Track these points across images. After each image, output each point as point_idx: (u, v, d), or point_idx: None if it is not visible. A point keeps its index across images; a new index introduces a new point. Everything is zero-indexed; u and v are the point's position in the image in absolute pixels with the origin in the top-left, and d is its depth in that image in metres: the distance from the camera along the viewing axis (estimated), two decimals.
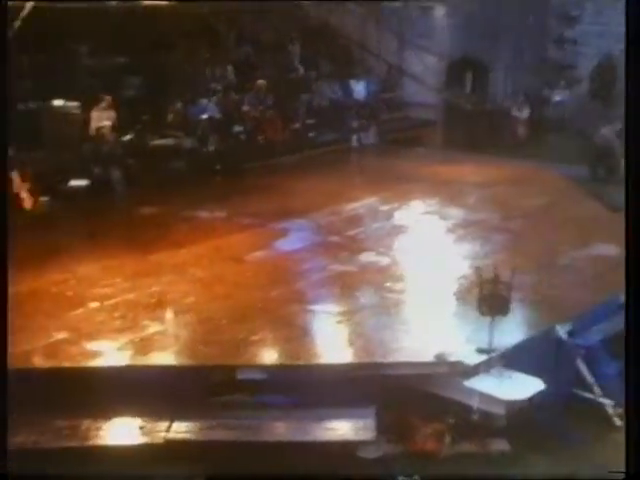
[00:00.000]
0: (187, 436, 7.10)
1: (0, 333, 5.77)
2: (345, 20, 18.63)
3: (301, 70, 18.05)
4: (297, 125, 16.69)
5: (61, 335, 8.22)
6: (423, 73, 18.55)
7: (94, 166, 13.86)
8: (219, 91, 16.02)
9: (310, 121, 16.98)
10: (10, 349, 7.69)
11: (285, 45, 18.29)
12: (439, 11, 18.68)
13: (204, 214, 12.64)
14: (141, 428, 7.17)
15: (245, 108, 15.95)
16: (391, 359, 7.83)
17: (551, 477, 7.25)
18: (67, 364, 7.65)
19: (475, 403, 7.42)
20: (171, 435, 7.06)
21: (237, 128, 15.68)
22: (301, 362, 7.84)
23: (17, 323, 8.40)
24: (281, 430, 7.43)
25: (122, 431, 7.19)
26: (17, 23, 14.05)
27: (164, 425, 7.15)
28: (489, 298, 7.64)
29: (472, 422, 7.48)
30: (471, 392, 7.44)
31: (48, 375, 7.57)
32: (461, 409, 7.54)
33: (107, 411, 7.26)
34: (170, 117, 15.13)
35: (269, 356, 8.18)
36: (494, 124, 18.75)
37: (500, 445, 7.46)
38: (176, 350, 8.04)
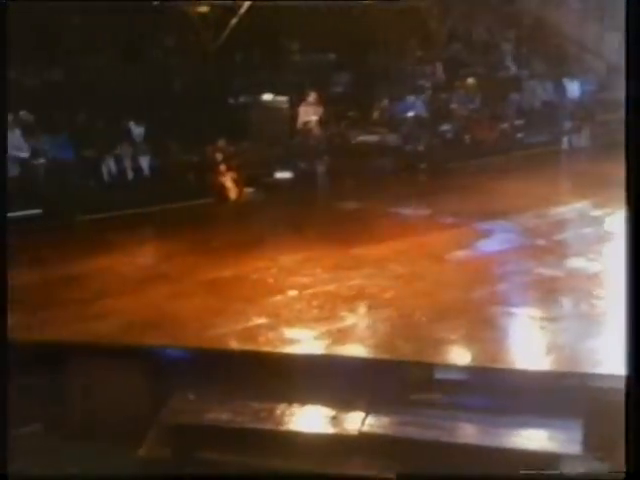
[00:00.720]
0: (381, 431, 6.92)
1: (0, 330, 5.71)
2: (562, 17, 17.96)
3: (512, 69, 17.58)
4: (505, 125, 16.27)
5: (260, 320, 8.29)
6: None
7: (299, 160, 14.08)
8: (427, 89, 15.88)
9: (519, 121, 16.50)
10: (209, 331, 8.01)
11: (497, 43, 17.87)
12: None
13: (406, 211, 12.51)
14: (334, 418, 7.07)
15: (453, 106, 15.73)
16: (598, 370, 7.30)
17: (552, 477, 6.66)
18: (265, 349, 7.67)
19: None
20: (365, 428, 6.90)
21: (444, 127, 15.47)
22: (501, 366, 7.48)
23: (217, 306, 8.67)
24: (475, 433, 7.09)
25: (316, 419, 7.11)
26: (234, 20, 14.53)
27: (359, 417, 7.01)
28: None
29: None
30: None
31: (245, 358, 7.61)
32: None
33: (302, 398, 7.20)
34: (376, 114, 15.16)
35: (467, 357, 7.85)
36: None
37: None
38: (373, 343, 7.89)
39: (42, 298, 9.17)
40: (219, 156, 13.86)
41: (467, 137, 15.46)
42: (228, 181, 13.54)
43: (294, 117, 14.36)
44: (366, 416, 7.06)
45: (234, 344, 7.84)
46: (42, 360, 8.09)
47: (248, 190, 13.67)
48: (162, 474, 6.60)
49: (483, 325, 8.30)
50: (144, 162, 14.27)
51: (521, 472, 6.61)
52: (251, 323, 8.24)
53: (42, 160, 13.44)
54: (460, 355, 7.89)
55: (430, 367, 7.46)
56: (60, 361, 7.75)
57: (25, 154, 13.36)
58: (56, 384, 7.69)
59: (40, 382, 8.02)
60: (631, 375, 5.17)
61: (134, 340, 7.84)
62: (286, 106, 14.53)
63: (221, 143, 14.06)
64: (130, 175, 14.20)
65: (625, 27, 5.73)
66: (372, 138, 14.69)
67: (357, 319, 8.44)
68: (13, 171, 13.22)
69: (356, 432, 6.91)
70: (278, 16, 14.80)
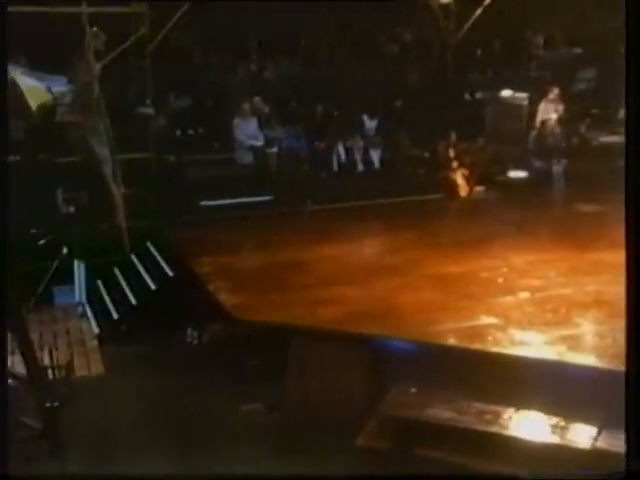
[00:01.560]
0: (617, 449, 6.28)
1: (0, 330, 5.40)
2: None
3: None
4: None
5: (488, 320, 7.88)
6: None
7: (535, 159, 13.49)
8: None
9: None
10: (434, 326, 7.69)
11: None
12: None
13: None
14: (564, 429, 6.53)
15: None
16: None
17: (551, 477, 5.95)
18: (493, 349, 7.25)
19: None
20: (599, 444, 6.30)
21: None
22: None
23: (443, 302, 8.36)
24: None
25: (544, 427, 6.60)
26: (478, 12, 14.13)
27: (592, 432, 6.42)
28: None
29: None
30: None
31: (471, 356, 7.23)
32: None
33: (530, 403, 6.72)
34: (621, 113, 14.20)
35: None
36: None
37: None
38: (611, 354, 7.22)
39: (270, 281, 9.26)
40: (451, 152, 13.54)
41: None
42: (459, 178, 13.20)
43: (533, 114, 13.74)
44: (600, 431, 6.47)
45: (460, 341, 7.47)
46: (267, 341, 8.15)
47: (479, 188, 13.25)
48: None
49: None
50: (375, 155, 14.20)
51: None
52: (479, 322, 7.86)
53: (275, 149, 13.68)
54: None
55: None
56: (284, 343, 7.73)
57: (259, 143, 13.64)
58: (279, 366, 7.68)
59: (264, 362, 8.08)
60: (631, 375, 4.84)
61: (357, 329, 7.67)
62: (525, 103, 13.94)
63: (454, 139, 13.74)
64: (360, 167, 14.17)
65: (625, 27, 5.08)
66: (616, 139, 13.76)
67: (594, 327, 7.81)
68: (247, 158, 13.55)
69: (588, 447, 6.33)
70: (524, 7, 14.20)
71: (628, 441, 4.97)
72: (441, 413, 6.63)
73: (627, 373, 4.92)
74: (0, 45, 5.76)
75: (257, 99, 14.12)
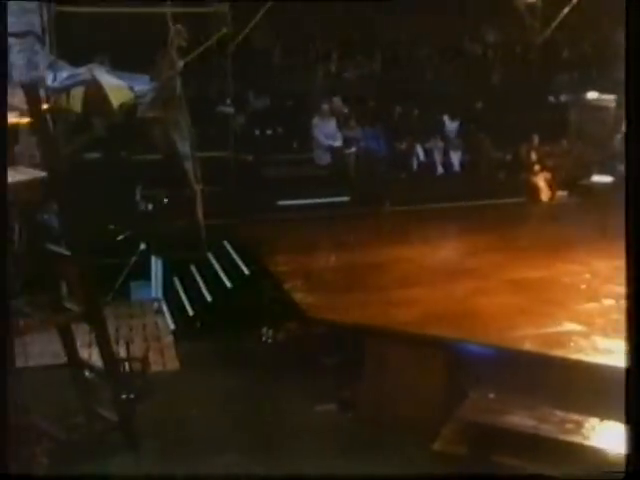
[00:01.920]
0: None
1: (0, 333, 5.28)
2: None
3: None
4: None
5: (570, 326, 7.64)
6: None
7: (621, 163, 13.09)
8: None
9: None
10: (512, 331, 7.47)
11: None
12: None
13: None
14: None
15: None
16: None
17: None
18: (574, 356, 7.01)
19: None
20: None
21: None
22: None
23: (523, 307, 8.14)
24: None
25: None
26: (565, 11, 13.78)
27: None
28: None
29: None
30: None
31: (551, 363, 7.01)
32: None
33: (615, 414, 6.45)
34: None
35: None
36: None
37: None
38: None
39: (346, 282, 9.17)
40: (534, 155, 13.26)
41: None
42: (541, 181, 12.91)
43: (620, 117, 13.32)
44: None
45: (540, 348, 7.25)
46: (341, 341, 8.07)
47: (562, 192, 12.92)
48: None
49: None
50: (455, 157, 13.98)
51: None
52: (560, 328, 7.63)
53: (353, 149, 13.57)
54: None
55: None
56: (358, 343, 7.64)
57: (338, 143, 13.55)
58: (353, 366, 7.59)
59: (338, 362, 8.00)
60: (631, 374, 4.67)
61: (433, 331, 7.51)
62: (612, 105, 13.52)
63: (537, 142, 13.45)
64: (440, 169, 13.97)
65: (625, 27, 4.80)
66: None
67: None
68: (325, 159, 13.48)
69: None
70: (613, 4, 13.76)
71: (628, 440, 4.80)
72: (521, 420, 6.43)
73: (627, 371, 4.79)
74: (0, 45, 5.76)
75: (336, 99, 14.04)
